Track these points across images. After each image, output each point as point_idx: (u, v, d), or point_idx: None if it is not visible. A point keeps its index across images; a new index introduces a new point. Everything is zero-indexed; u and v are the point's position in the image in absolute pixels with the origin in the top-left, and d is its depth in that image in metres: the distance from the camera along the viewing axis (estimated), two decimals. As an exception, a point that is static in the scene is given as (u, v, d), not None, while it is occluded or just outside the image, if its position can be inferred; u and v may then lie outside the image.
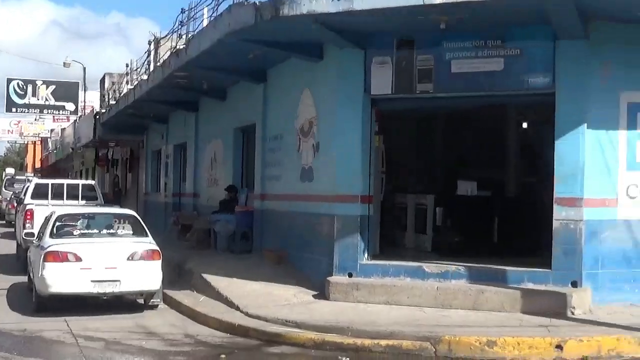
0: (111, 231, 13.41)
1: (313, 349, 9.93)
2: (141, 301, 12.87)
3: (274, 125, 16.19)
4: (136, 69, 27.24)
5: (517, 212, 14.38)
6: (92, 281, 12.10)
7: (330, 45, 13.13)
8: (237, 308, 11.78)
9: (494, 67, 11.88)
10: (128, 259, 12.33)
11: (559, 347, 9.47)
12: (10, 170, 57.87)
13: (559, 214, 11.48)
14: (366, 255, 12.62)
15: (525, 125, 17.72)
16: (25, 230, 16.77)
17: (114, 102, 28.80)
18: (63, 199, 18.54)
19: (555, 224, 11.49)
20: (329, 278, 12.24)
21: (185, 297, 13.11)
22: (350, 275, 12.34)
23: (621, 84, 11.72)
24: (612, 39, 11.67)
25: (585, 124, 11.49)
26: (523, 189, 16.48)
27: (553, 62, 11.58)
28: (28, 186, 20.12)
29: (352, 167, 12.56)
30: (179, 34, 18.61)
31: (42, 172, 56.25)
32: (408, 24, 11.89)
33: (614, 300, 11.58)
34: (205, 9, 16.41)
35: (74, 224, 13.56)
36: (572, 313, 10.92)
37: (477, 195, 14.43)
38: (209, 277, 13.61)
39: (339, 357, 9.52)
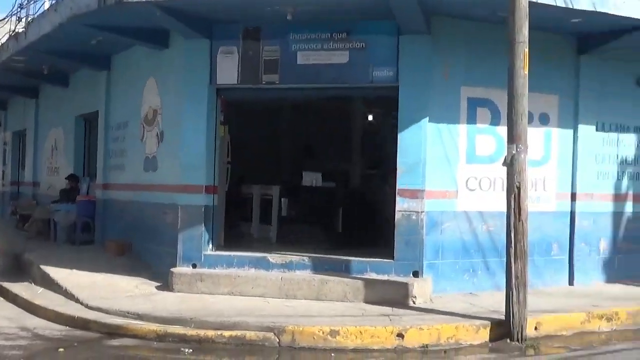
0: (-58, 221, 12.80)
1: (155, 341, 9.73)
2: (-26, 294, 12.36)
3: (118, 114, 15.82)
4: (-28, 52, 26.10)
5: (362, 203, 14.57)
6: None
7: (176, 34, 12.91)
8: (77, 300, 11.44)
9: (339, 59, 11.96)
10: (-40, 249, 11.82)
11: (400, 335, 9.64)
12: None
13: (401, 205, 11.69)
14: (211, 246, 12.51)
15: (370, 117, 18.00)
16: None
17: (-52, 86, 27.48)
18: None
19: (397, 215, 11.70)
20: (172, 269, 12.05)
21: (22, 289, 12.63)
22: (194, 266, 12.20)
23: (462, 79, 12.07)
24: (454, 35, 11.99)
25: (427, 118, 11.73)
26: (368, 181, 16.72)
27: (397, 57, 11.75)
28: None
29: (196, 157, 12.39)
30: (19, 17, 17.92)
31: None
32: (255, 14, 11.83)
33: (453, 289, 11.95)
34: (47, -8, 15.87)
35: None
36: (414, 302, 11.15)
37: (322, 186, 14.53)
38: (48, 269, 13.15)
39: (182, 349, 9.38)
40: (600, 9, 11.39)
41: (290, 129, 18.82)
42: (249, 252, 12.43)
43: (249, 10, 11.70)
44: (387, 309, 10.73)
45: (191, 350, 9.38)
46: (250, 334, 9.62)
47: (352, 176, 17.37)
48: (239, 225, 15.12)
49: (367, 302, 11.14)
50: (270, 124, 18.10)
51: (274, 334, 9.58)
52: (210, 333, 9.69)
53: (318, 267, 11.85)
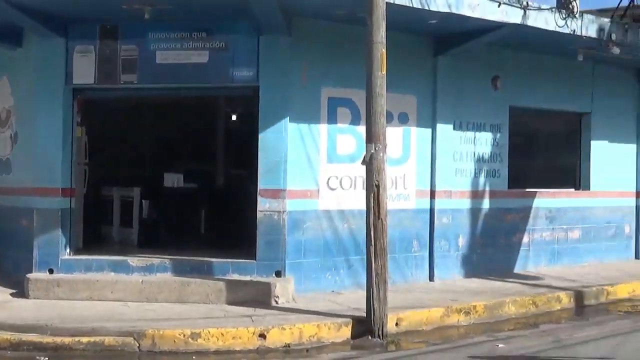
0: None
1: (9, 350, 9.35)
2: None
3: (-32, 115, 15.22)
4: None
5: (225, 203, 14.48)
6: None
7: (30, 32, 12.47)
8: None
9: (199, 59, 11.83)
10: None
11: (262, 336, 9.62)
12: None
13: (263, 205, 11.67)
14: (68, 250, 12.18)
15: (234, 117, 17.92)
16: None
17: None
18: None
19: (259, 215, 11.67)
20: (28, 275, 11.66)
21: None
22: (51, 271, 11.83)
23: (322, 80, 12.15)
24: (315, 36, 12.07)
25: (288, 118, 11.75)
26: (232, 181, 16.64)
27: (257, 57, 11.72)
28: None
29: (52, 159, 12.02)
30: None
31: None
32: (112, 12, 11.58)
33: (316, 288, 12.02)
34: None
35: None
36: (276, 302, 11.16)
37: (184, 187, 14.36)
38: None
39: (37, 357, 9.08)
40: (455, 11, 11.69)
41: (153, 130, 18.51)
42: (109, 255, 12.18)
43: (105, 9, 11.45)
44: (249, 310, 10.69)
45: (47, 358, 9.07)
46: (109, 340, 9.40)
47: (217, 176, 17.26)
48: (100, 228, 14.79)
49: (229, 303, 11.08)
50: (133, 124, 17.74)
51: (134, 338, 9.39)
52: (67, 340, 9.40)
53: (180, 269, 11.71)
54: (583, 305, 12.84)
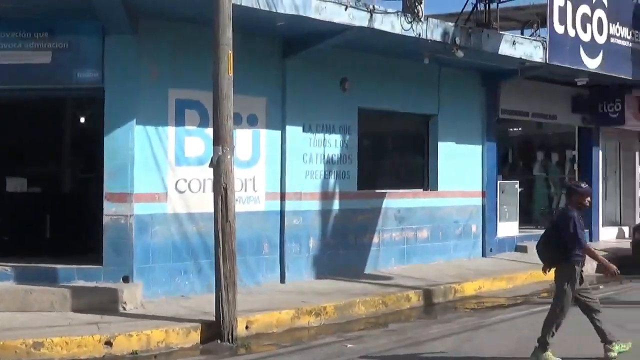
0: None
1: None
2: None
3: None
4: None
5: (72, 208, 14.07)
6: None
7: None
8: None
9: (41, 60, 11.50)
10: None
11: (108, 343, 9.44)
12: None
13: (109, 209, 11.45)
14: None
15: (83, 120, 17.49)
16: None
17: None
18: None
19: (105, 219, 11.45)
20: None
21: None
22: None
23: (169, 81, 12.02)
24: (162, 37, 11.94)
25: (135, 120, 11.57)
26: (79, 185, 16.22)
27: (102, 57, 11.49)
28: None
29: None
30: None
31: None
32: (-53, 10, 11.14)
33: (166, 292, 11.90)
34: None
35: None
36: (124, 308, 10.95)
37: (27, 192, 13.89)
38: None
39: None
40: (302, 13, 11.78)
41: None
42: (-55, 264, 11.66)
43: (-58, 7, 10.99)
44: (96, 317, 10.45)
45: None
46: (-58, 353, 9.02)
47: (63, 180, 16.77)
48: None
49: (75, 310, 10.78)
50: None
51: (-29, 350, 9.04)
52: None
53: (22, 277, 11.32)
54: (432, 304, 13.15)
